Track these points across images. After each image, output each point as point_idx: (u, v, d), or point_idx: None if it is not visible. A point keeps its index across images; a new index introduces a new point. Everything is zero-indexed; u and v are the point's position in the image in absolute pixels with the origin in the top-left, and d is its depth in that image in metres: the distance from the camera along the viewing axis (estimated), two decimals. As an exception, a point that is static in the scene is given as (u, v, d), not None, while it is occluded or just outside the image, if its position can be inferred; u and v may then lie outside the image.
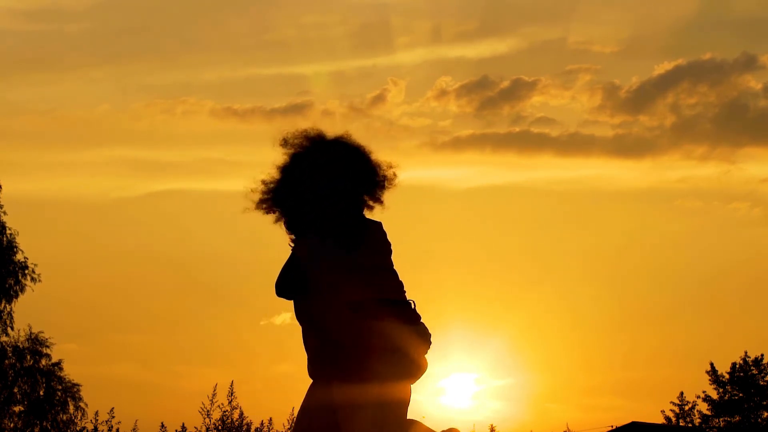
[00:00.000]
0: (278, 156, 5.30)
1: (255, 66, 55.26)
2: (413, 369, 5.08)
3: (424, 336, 5.13)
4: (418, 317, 5.17)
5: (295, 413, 5.92)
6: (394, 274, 5.19)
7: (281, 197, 5.21)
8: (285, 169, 5.23)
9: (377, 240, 5.15)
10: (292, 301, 5.15)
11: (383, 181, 5.27)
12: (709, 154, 53.86)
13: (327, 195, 5.12)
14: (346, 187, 5.15)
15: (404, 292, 5.17)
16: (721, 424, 42.62)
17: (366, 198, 5.23)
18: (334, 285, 5.02)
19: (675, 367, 52.14)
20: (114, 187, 51.56)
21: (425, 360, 5.14)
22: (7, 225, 32.69)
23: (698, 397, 42.89)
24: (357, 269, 5.04)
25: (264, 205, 5.26)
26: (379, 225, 5.21)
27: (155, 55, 54.30)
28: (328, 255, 5.04)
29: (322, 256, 5.04)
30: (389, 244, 5.22)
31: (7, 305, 32.58)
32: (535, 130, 50.73)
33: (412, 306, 5.15)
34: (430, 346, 5.16)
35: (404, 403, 5.07)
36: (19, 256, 32.53)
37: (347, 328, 4.99)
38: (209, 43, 53.77)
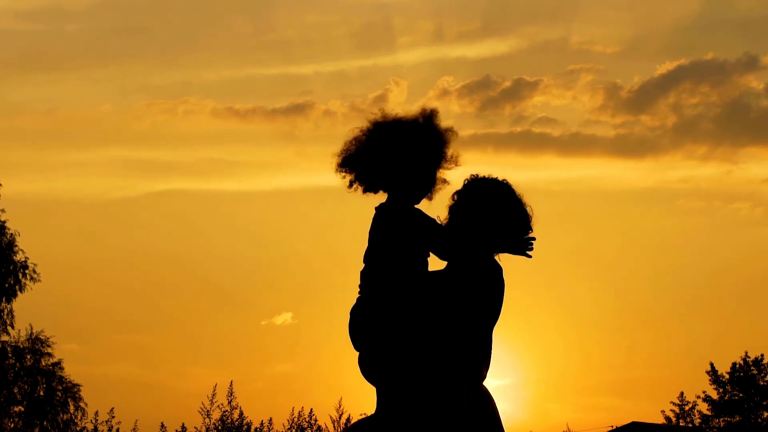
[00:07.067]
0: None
1: (256, 66, 55.31)
2: None
3: None
4: None
5: (296, 413, 6.01)
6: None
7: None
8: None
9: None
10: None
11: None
12: (711, 154, 53.94)
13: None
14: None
15: None
16: (721, 424, 42.60)
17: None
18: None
19: (675, 367, 52.16)
20: (114, 187, 51.62)
21: None
22: (7, 225, 32.74)
23: (698, 397, 42.93)
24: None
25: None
26: None
27: (156, 55, 54.35)
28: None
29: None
30: None
31: (7, 305, 32.60)
32: (536, 130, 50.80)
33: None
34: None
35: None
36: (20, 256, 32.57)
37: None
38: (210, 43, 53.83)
